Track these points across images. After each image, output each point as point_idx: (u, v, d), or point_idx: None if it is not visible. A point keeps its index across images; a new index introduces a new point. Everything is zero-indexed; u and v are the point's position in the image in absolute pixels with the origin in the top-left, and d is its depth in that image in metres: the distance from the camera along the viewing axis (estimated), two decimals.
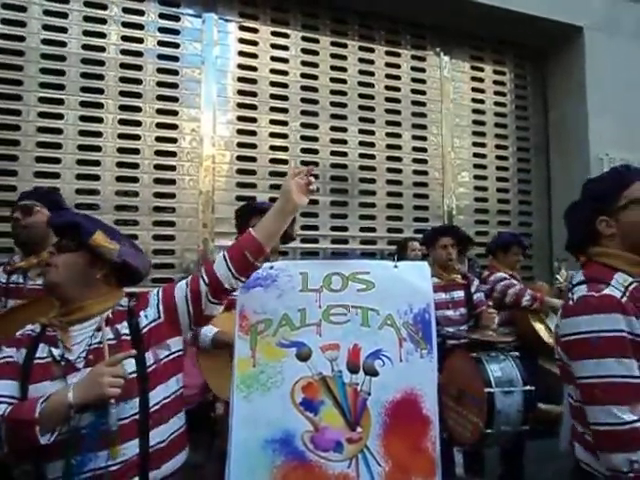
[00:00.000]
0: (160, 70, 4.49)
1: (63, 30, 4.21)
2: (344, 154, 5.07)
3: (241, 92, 4.75)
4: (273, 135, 4.82)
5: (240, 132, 4.71)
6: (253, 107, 4.77)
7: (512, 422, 2.73)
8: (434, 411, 1.64)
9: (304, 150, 4.91)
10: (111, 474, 1.47)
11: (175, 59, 4.55)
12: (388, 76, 5.32)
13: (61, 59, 4.18)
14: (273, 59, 4.88)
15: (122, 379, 1.45)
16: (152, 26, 4.49)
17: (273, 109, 4.83)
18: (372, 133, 5.19)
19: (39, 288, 2.40)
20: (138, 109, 4.38)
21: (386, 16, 5.27)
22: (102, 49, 4.31)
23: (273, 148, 4.81)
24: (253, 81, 4.79)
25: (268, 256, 1.69)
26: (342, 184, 5.05)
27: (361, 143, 5.14)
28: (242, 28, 4.80)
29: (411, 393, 1.64)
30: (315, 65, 5.03)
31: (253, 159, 4.73)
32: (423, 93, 5.46)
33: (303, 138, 4.92)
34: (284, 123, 4.87)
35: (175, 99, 4.52)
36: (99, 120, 4.26)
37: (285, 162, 4.82)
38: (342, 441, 1.60)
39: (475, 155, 5.67)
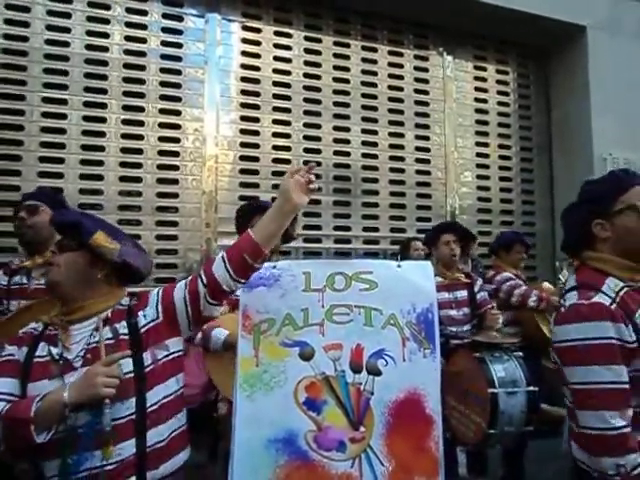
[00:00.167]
0: (163, 70, 4.50)
1: (66, 30, 4.22)
2: (347, 154, 5.07)
3: (244, 92, 4.75)
4: (276, 135, 4.82)
5: (243, 132, 4.72)
6: (256, 107, 4.77)
7: (515, 423, 2.73)
8: (437, 411, 1.64)
9: (307, 150, 4.91)
10: (107, 473, 1.47)
11: (178, 59, 4.56)
12: (391, 76, 5.31)
13: (64, 59, 4.19)
14: (276, 59, 4.88)
15: (117, 379, 1.45)
16: (155, 26, 4.50)
17: (276, 109, 4.84)
18: (375, 133, 5.19)
19: (43, 288, 2.41)
20: (141, 109, 4.39)
21: (389, 16, 5.27)
22: (105, 49, 4.32)
23: (276, 148, 4.81)
24: (256, 81, 4.79)
25: (266, 257, 1.65)
26: (345, 184, 5.05)
27: (364, 143, 5.14)
28: (245, 28, 4.81)
29: (414, 393, 1.64)
30: (318, 65, 5.03)
31: (256, 159, 4.73)
32: (426, 93, 5.45)
33: (306, 138, 4.92)
34: (287, 123, 4.87)
35: (178, 99, 4.53)
36: (102, 120, 4.27)
37: (288, 162, 4.82)
38: (345, 441, 1.60)
39: (478, 155, 5.66)
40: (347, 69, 5.14)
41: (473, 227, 5.16)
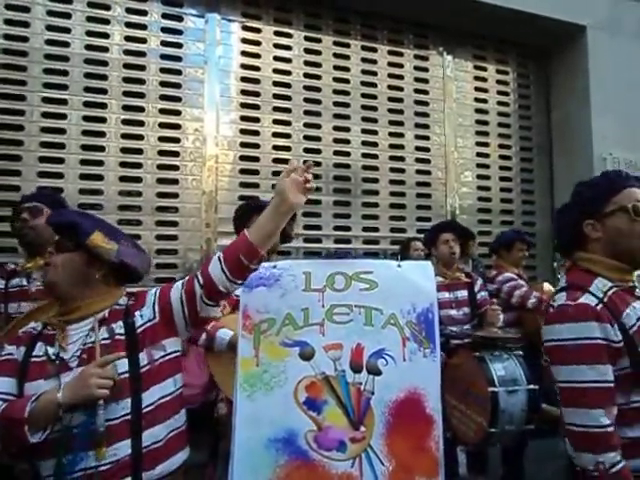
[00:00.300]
0: (163, 70, 4.50)
1: (66, 30, 4.22)
2: (347, 154, 5.07)
3: (244, 92, 4.75)
4: (276, 135, 4.82)
5: (243, 132, 4.72)
6: (256, 107, 4.77)
7: (516, 421, 2.73)
8: (438, 410, 1.64)
9: (307, 150, 4.91)
10: (102, 474, 1.47)
11: (178, 59, 4.56)
12: (391, 76, 5.31)
13: (64, 59, 4.19)
14: (276, 59, 4.88)
15: (111, 380, 1.45)
16: (155, 26, 4.50)
17: (276, 109, 4.84)
18: (375, 133, 5.19)
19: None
20: (141, 109, 4.39)
21: (389, 16, 5.27)
22: (105, 49, 4.32)
23: (276, 148, 4.81)
24: (256, 81, 4.79)
25: (263, 258, 1.62)
26: (345, 184, 5.05)
27: (364, 143, 5.14)
28: (245, 28, 4.81)
29: (414, 392, 1.64)
30: (318, 65, 5.03)
31: (256, 159, 4.73)
32: (426, 93, 5.45)
33: (306, 138, 4.92)
34: (287, 123, 4.87)
35: (178, 99, 4.53)
36: (102, 120, 4.27)
37: (288, 162, 4.79)
38: (345, 440, 1.60)
39: (478, 155, 5.66)
40: (347, 69, 5.14)
41: (473, 227, 5.15)
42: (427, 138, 5.42)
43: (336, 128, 5.04)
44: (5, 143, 3.99)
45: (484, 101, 5.74)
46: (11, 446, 1.48)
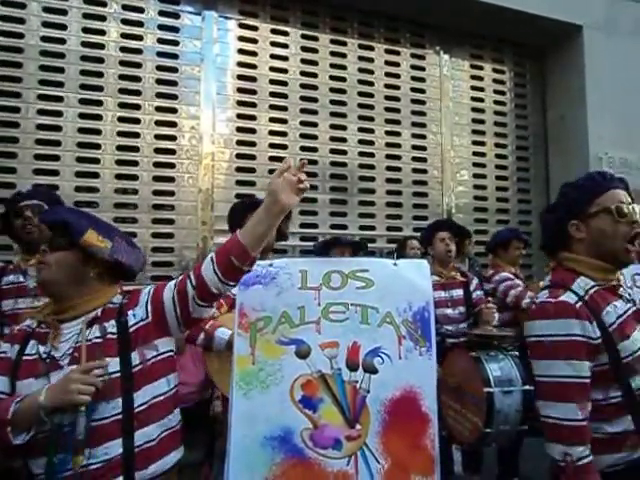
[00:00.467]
0: (160, 68, 4.48)
1: (62, 27, 4.20)
2: (343, 152, 5.07)
3: (241, 90, 4.74)
4: (272, 133, 4.81)
5: (239, 130, 4.71)
6: (253, 105, 4.77)
7: (511, 422, 2.73)
8: (433, 409, 1.65)
9: (303, 148, 4.91)
10: (93, 473, 1.46)
11: (175, 57, 4.55)
12: (388, 74, 5.31)
13: (60, 56, 4.18)
14: (273, 57, 4.87)
15: (94, 387, 1.44)
16: (152, 23, 4.49)
17: (273, 107, 4.83)
18: (371, 131, 5.19)
19: None
20: (137, 107, 4.38)
21: (386, 14, 5.27)
22: (101, 46, 4.30)
23: (272, 146, 4.81)
24: (253, 79, 4.78)
25: (255, 260, 1.58)
26: (341, 182, 5.05)
27: (360, 141, 5.14)
28: (242, 26, 4.80)
29: (410, 391, 1.64)
30: (315, 63, 5.03)
31: (252, 157, 4.73)
32: (423, 91, 5.46)
33: (302, 136, 4.92)
34: (284, 121, 4.86)
35: (174, 97, 4.52)
36: (98, 118, 4.25)
37: (284, 160, 4.81)
38: (341, 438, 1.60)
39: (474, 154, 5.67)
40: (344, 67, 5.14)
41: (469, 226, 5.15)
42: (424, 137, 5.43)
43: (333, 126, 5.04)
44: (0, 140, 3.97)
45: (480, 100, 5.75)
46: None
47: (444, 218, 5.05)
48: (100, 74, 4.28)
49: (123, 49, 4.37)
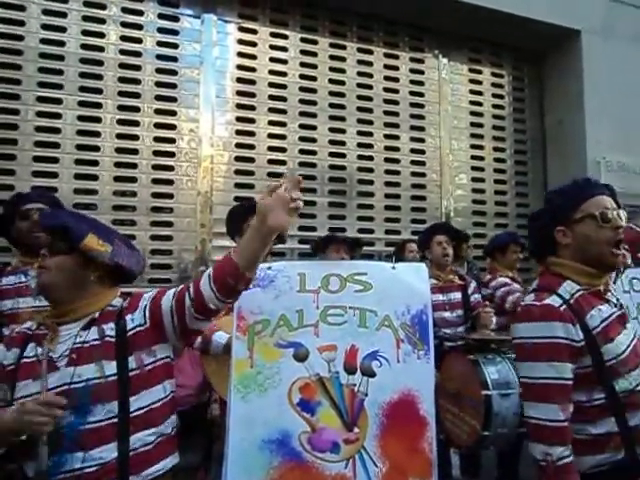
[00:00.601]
0: (159, 70, 4.49)
1: (62, 30, 4.21)
2: (342, 155, 5.07)
3: (240, 93, 4.75)
4: (271, 136, 4.82)
5: (239, 133, 4.71)
6: (252, 108, 4.77)
7: (509, 424, 2.73)
8: (431, 412, 1.65)
9: (302, 151, 4.91)
10: (86, 476, 1.46)
11: (174, 59, 4.55)
12: (387, 78, 5.32)
13: (60, 59, 4.18)
14: (272, 60, 4.88)
15: (52, 419, 1.42)
16: (151, 26, 4.49)
17: (272, 110, 4.84)
18: (370, 135, 5.20)
19: None
20: (137, 109, 4.38)
21: (385, 18, 5.28)
22: (101, 49, 4.31)
23: (271, 149, 4.81)
24: (252, 82, 4.79)
25: (249, 280, 1.54)
26: (340, 185, 5.05)
27: (359, 145, 5.14)
28: (241, 29, 4.80)
29: (408, 394, 1.65)
30: (314, 66, 5.03)
31: (251, 160, 4.73)
32: (421, 95, 5.47)
33: (301, 139, 4.92)
34: (283, 124, 4.87)
35: (174, 99, 4.52)
36: (97, 120, 4.25)
37: (283, 163, 4.83)
38: (339, 442, 1.61)
39: (473, 157, 5.68)
40: (343, 71, 5.15)
41: (468, 229, 5.18)
42: (422, 140, 5.43)
43: (332, 130, 5.05)
44: None
45: (479, 104, 5.76)
46: None
47: (441, 222, 5.05)
48: (99, 77, 4.28)
49: (122, 52, 4.37)
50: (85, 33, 4.27)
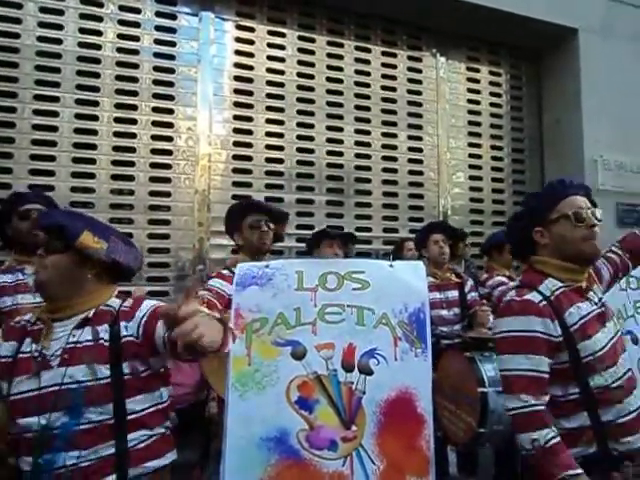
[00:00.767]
0: (156, 68, 4.48)
1: (59, 27, 4.19)
2: (340, 154, 5.07)
3: (237, 91, 4.74)
4: (269, 134, 4.82)
5: (236, 131, 4.71)
6: (249, 106, 4.77)
7: (505, 422, 2.73)
8: (429, 410, 1.65)
9: (300, 149, 4.91)
10: (84, 470, 1.48)
11: (171, 57, 4.54)
12: (384, 76, 5.32)
13: (57, 56, 4.17)
14: (269, 58, 4.88)
15: None
16: (148, 24, 4.48)
17: (269, 108, 4.83)
18: (368, 133, 5.20)
19: None
20: (134, 107, 4.37)
21: (382, 17, 5.28)
22: (98, 47, 4.30)
23: (269, 147, 4.81)
24: (249, 80, 4.78)
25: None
26: (338, 183, 5.06)
27: (357, 143, 5.14)
28: (239, 27, 4.80)
29: (406, 392, 1.65)
30: (311, 64, 5.03)
31: (249, 158, 4.73)
32: (419, 93, 5.47)
33: (299, 137, 4.92)
34: (280, 122, 4.86)
35: (171, 97, 4.51)
36: (95, 118, 4.25)
37: (281, 161, 4.83)
38: (337, 440, 1.61)
39: (470, 156, 5.68)
40: (340, 69, 5.14)
41: (465, 228, 5.18)
42: (420, 139, 5.44)
43: (329, 128, 5.04)
44: None
45: (477, 102, 5.76)
46: None
47: (438, 220, 5.06)
48: (97, 75, 4.27)
49: (120, 50, 4.36)
50: (82, 31, 4.26)
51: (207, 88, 4.62)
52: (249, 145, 4.73)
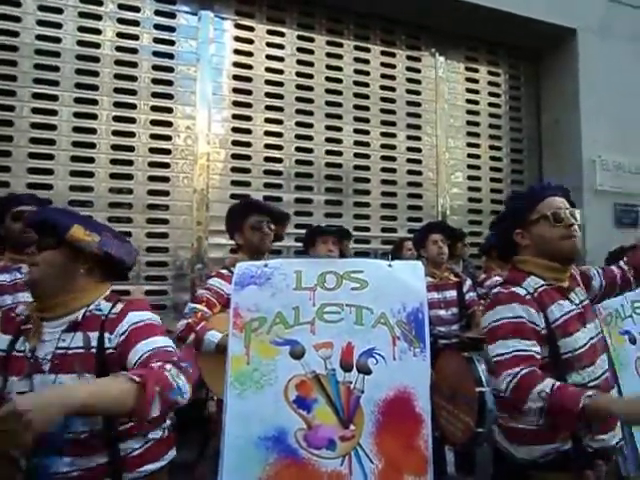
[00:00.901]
0: (155, 67, 4.48)
1: (58, 26, 4.19)
2: (339, 153, 5.08)
3: (236, 90, 4.74)
4: (268, 133, 4.82)
5: (235, 130, 4.71)
6: (248, 105, 4.77)
7: None
8: (427, 409, 1.65)
9: (299, 149, 4.91)
10: (76, 478, 1.47)
11: (170, 56, 4.54)
12: (383, 76, 5.33)
13: (56, 55, 4.17)
14: (269, 57, 4.88)
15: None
16: (148, 23, 4.48)
17: (268, 107, 4.83)
18: (367, 133, 5.20)
19: None
20: (133, 106, 4.37)
21: (382, 16, 5.29)
22: (97, 45, 4.29)
23: (268, 146, 4.81)
24: (248, 79, 4.79)
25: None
26: (337, 183, 5.06)
27: (356, 142, 5.15)
28: (238, 26, 4.80)
29: (404, 391, 1.65)
30: (310, 64, 5.03)
31: (248, 157, 4.73)
32: (418, 93, 5.48)
33: (298, 137, 4.92)
34: (279, 122, 4.87)
35: (170, 96, 4.51)
36: (93, 117, 4.24)
37: (280, 160, 4.83)
38: (335, 439, 1.61)
39: (469, 156, 5.69)
40: (340, 69, 5.15)
41: (464, 228, 5.19)
42: (419, 139, 5.44)
43: (328, 127, 5.05)
44: None
45: (475, 103, 5.77)
46: None
47: (437, 220, 5.07)
48: (95, 73, 4.27)
49: (119, 48, 4.36)
50: (81, 29, 4.26)
51: (206, 87, 4.61)
52: (248, 144, 4.74)
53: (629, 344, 2.44)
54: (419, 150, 5.44)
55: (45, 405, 1.19)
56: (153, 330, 1.62)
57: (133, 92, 4.38)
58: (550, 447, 1.69)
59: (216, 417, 2.69)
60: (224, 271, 2.72)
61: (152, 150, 4.41)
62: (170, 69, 4.53)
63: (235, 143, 4.70)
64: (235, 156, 4.69)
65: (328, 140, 5.04)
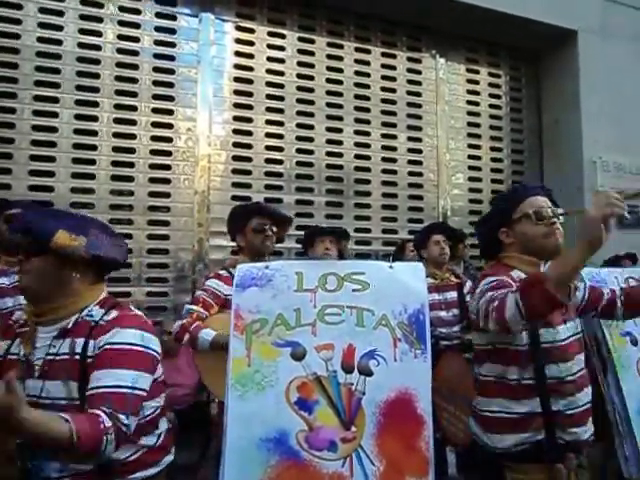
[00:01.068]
0: (156, 69, 4.48)
1: (59, 28, 4.20)
2: (339, 155, 5.08)
3: (237, 92, 4.75)
4: (269, 135, 4.82)
5: (236, 132, 4.71)
6: (249, 107, 4.77)
7: None
8: (428, 411, 1.65)
9: (299, 150, 4.92)
10: None
11: (171, 58, 4.55)
12: (384, 77, 5.33)
13: (57, 57, 4.17)
14: (269, 59, 4.88)
15: None
16: (148, 25, 4.49)
17: (269, 109, 4.84)
18: (368, 134, 5.20)
19: None
20: (134, 108, 4.38)
21: (382, 18, 5.29)
22: (98, 48, 4.30)
23: (269, 148, 4.81)
24: (249, 81, 4.79)
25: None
26: (337, 185, 5.06)
27: (357, 144, 5.15)
28: (239, 28, 4.80)
29: (405, 393, 1.65)
30: (311, 66, 5.03)
31: (249, 159, 4.73)
32: (418, 95, 5.48)
33: (299, 138, 4.92)
34: (280, 123, 4.87)
35: (171, 98, 4.52)
36: (94, 119, 4.25)
37: (281, 162, 4.83)
38: (336, 440, 1.61)
39: (470, 157, 5.69)
40: (340, 70, 5.15)
41: (465, 229, 5.17)
42: (419, 140, 5.44)
43: (329, 129, 5.05)
44: None
45: (476, 104, 5.77)
46: None
47: (438, 221, 5.07)
48: (96, 75, 4.28)
49: (119, 50, 4.37)
50: (82, 32, 4.26)
51: (207, 89, 4.62)
52: (249, 146, 4.74)
53: (630, 345, 2.44)
54: (420, 151, 5.44)
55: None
56: (126, 359, 1.52)
57: (134, 94, 4.39)
58: (523, 436, 1.75)
59: (218, 419, 2.69)
60: (222, 272, 2.73)
61: (153, 152, 4.41)
62: (171, 71, 4.54)
63: (236, 145, 4.70)
64: (236, 158, 4.69)
65: (329, 142, 5.04)
